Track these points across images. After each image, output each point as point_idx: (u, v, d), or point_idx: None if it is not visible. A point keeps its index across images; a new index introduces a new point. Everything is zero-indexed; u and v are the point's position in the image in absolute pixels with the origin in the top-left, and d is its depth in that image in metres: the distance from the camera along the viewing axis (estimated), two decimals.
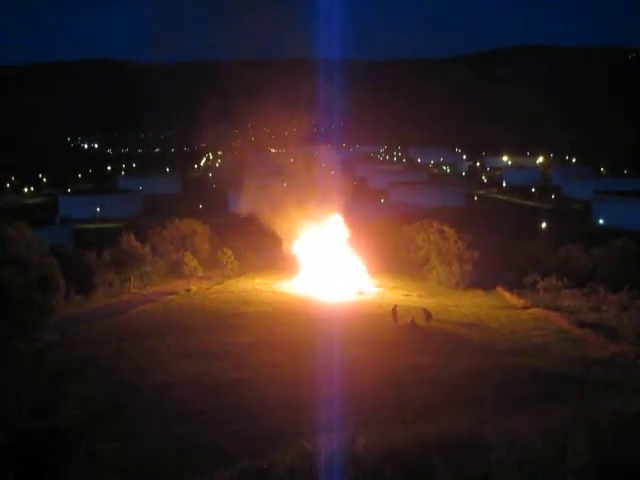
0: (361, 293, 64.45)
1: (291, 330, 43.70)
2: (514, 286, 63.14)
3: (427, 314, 47.36)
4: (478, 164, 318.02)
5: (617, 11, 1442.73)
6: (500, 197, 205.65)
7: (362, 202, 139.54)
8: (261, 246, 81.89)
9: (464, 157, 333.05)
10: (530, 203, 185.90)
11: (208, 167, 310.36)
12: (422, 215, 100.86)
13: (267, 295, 62.61)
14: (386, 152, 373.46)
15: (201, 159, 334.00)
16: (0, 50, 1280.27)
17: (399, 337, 41.87)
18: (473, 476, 10.32)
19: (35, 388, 27.64)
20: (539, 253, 75.18)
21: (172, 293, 64.50)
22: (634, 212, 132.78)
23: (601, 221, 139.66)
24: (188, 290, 65.93)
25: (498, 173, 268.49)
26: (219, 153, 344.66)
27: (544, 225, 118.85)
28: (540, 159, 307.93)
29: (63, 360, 34.70)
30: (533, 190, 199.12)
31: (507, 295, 61.85)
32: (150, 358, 35.24)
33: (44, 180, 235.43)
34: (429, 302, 56.77)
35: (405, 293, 64.52)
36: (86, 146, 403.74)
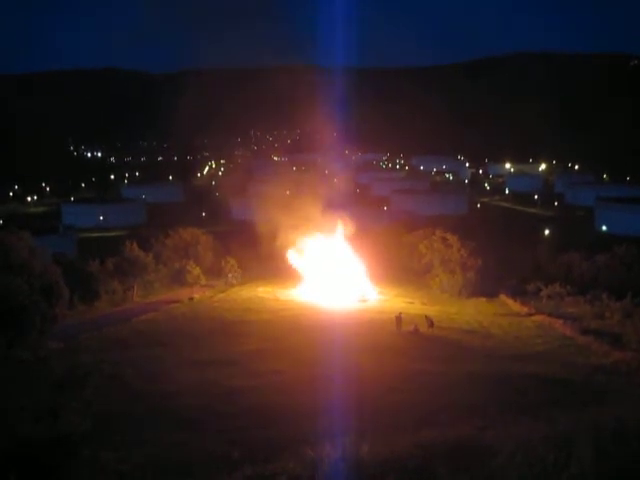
0: (364, 301, 64.44)
1: (295, 337, 43.68)
2: (517, 293, 63.10)
3: (430, 321, 47.35)
4: (481, 171, 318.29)
5: (619, 18, 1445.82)
6: (503, 204, 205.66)
7: (365, 210, 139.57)
8: (264, 254, 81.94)
9: (467, 164, 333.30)
10: (533, 210, 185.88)
11: (211, 175, 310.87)
12: (425, 223, 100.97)
13: (271, 303, 62.61)
14: (388, 160, 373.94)
15: (204, 167, 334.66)
16: (5, 57, 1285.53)
17: (402, 344, 41.85)
18: None
19: (38, 395, 27.66)
20: (542, 260, 75.14)
21: (175, 302, 64.53)
22: (637, 219, 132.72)
23: (604, 228, 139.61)
24: (191, 299, 65.94)
25: (501, 180, 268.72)
26: (222, 161, 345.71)
27: (547, 232, 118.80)
28: (543, 166, 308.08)
29: (66, 368, 34.70)
30: (536, 197, 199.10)
31: (510, 302, 61.80)
32: (153, 366, 35.25)
33: (47, 189, 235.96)
34: (432, 309, 56.75)
35: (408, 301, 64.45)
36: (89, 154, 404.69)
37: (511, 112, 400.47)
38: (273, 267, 79.87)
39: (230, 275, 76.73)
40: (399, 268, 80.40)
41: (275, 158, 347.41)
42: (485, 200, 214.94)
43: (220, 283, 74.96)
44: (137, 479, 17.22)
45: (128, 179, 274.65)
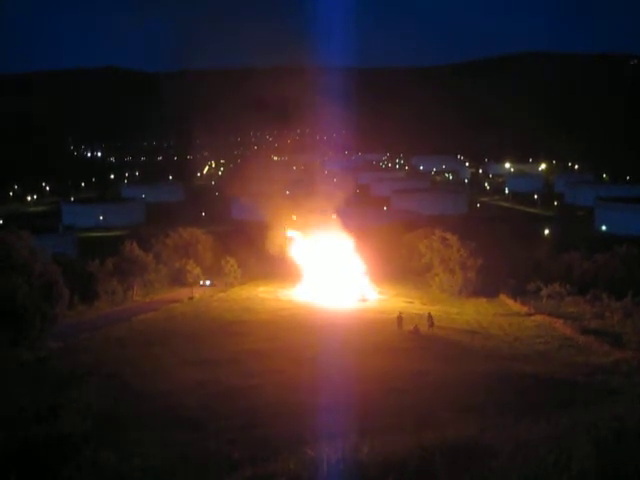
0: (364, 300, 64.45)
1: (294, 337, 43.70)
2: (517, 293, 63.05)
3: (430, 320, 47.43)
4: (480, 171, 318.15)
5: (619, 18, 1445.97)
6: (503, 204, 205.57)
7: (365, 210, 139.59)
8: (264, 254, 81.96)
9: (466, 164, 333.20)
10: (533, 210, 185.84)
11: (211, 175, 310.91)
12: (424, 222, 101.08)
13: (270, 303, 62.62)
14: (388, 160, 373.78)
15: (204, 167, 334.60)
16: (5, 57, 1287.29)
17: (402, 344, 41.85)
18: None
19: (38, 395, 27.67)
20: (542, 260, 75.10)
21: (175, 301, 64.54)
22: (636, 218, 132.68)
23: (604, 228, 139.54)
24: (191, 298, 65.93)
25: (501, 180, 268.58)
26: (222, 161, 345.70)
27: (547, 232, 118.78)
28: (542, 166, 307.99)
29: (66, 368, 34.72)
30: (536, 197, 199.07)
31: (510, 302, 61.78)
32: (153, 366, 35.24)
33: (47, 188, 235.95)
34: (432, 309, 56.64)
35: (408, 300, 64.47)
36: (89, 154, 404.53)
37: (511, 112, 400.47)
38: (273, 266, 79.90)
39: (204, 281, 73.05)
40: (399, 268, 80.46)
41: (275, 158, 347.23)
42: (485, 200, 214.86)
43: (220, 282, 74.73)
44: (137, 479, 17.21)
45: (128, 179, 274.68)
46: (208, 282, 72.90)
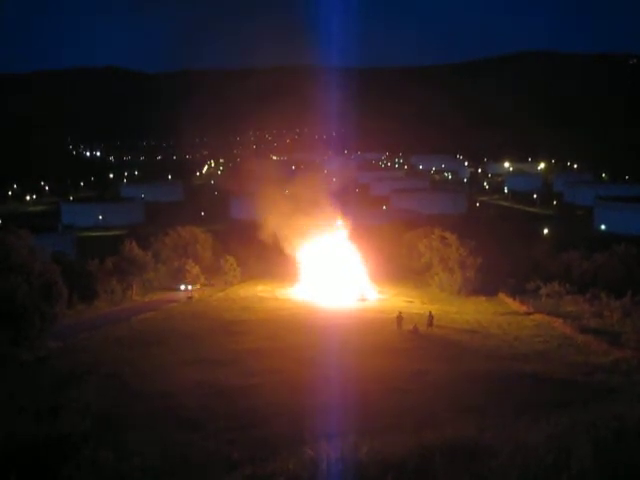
0: (363, 300, 64.44)
1: (294, 337, 43.66)
2: (516, 292, 63.09)
3: (429, 319, 47.49)
4: (480, 170, 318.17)
5: (619, 18, 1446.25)
6: (502, 203, 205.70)
7: (364, 209, 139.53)
8: (263, 253, 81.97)
9: (466, 164, 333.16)
10: (532, 209, 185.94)
11: (210, 175, 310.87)
12: (424, 222, 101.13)
13: (270, 302, 62.61)
14: (388, 159, 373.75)
15: (203, 167, 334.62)
16: (6, 57, 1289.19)
17: (402, 344, 41.82)
18: None
19: (38, 395, 27.63)
20: (541, 259, 75.13)
21: (174, 300, 64.50)
22: (636, 218, 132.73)
23: (603, 227, 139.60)
24: (190, 298, 65.89)
25: (500, 179, 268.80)
26: (221, 161, 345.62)
27: (546, 231, 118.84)
28: (542, 165, 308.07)
29: (65, 367, 34.68)
30: (535, 196, 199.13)
31: (509, 301, 61.82)
32: (153, 365, 35.19)
33: (46, 188, 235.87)
34: (432, 308, 56.66)
35: (407, 300, 64.48)
36: (88, 154, 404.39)
37: (511, 112, 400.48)
38: (272, 266, 79.88)
39: (190, 286, 70.73)
40: (398, 267, 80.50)
41: (274, 157, 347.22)
42: (484, 199, 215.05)
43: (219, 282, 74.77)
44: (136, 479, 17.19)
45: (127, 178, 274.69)
46: (190, 286, 69.96)
